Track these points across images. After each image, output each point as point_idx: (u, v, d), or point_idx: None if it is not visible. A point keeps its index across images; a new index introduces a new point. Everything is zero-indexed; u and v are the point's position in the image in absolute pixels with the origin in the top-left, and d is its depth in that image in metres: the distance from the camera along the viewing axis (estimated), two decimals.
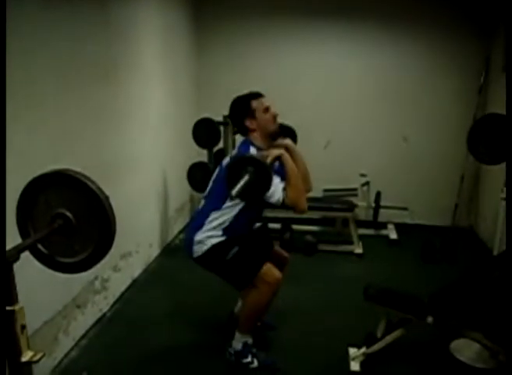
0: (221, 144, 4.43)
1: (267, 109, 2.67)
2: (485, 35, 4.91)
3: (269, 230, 4.78)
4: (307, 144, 5.37)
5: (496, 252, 3.93)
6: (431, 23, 4.96)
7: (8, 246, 1.28)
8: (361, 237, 4.75)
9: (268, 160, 2.48)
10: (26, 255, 1.36)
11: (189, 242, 2.70)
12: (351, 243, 4.63)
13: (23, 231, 1.45)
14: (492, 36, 4.86)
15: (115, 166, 3.38)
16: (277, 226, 4.88)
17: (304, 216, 4.87)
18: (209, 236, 2.63)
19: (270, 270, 2.64)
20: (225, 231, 2.65)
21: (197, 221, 2.73)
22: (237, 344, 2.78)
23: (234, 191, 2.26)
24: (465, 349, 2.89)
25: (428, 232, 5.19)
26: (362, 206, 5.16)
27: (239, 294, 3.00)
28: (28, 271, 1.67)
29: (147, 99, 3.96)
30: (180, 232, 5.06)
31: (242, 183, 2.28)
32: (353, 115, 5.35)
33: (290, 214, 4.79)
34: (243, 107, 2.69)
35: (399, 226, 5.22)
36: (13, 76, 2.15)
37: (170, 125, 4.59)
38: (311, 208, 4.76)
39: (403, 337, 2.65)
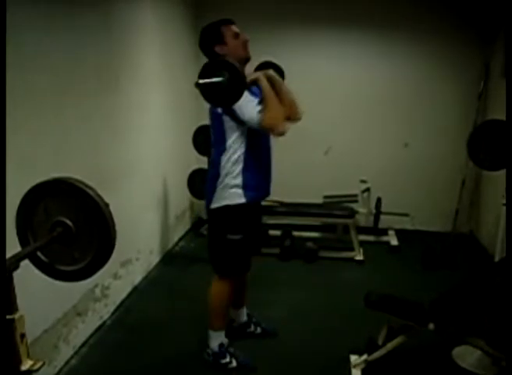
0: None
1: (237, 35, 2.62)
2: (484, 41, 4.92)
3: (269, 237, 4.81)
4: (308, 151, 5.44)
5: (497, 258, 3.92)
6: (431, 29, 4.97)
7: (8, 254, 1.28)
8: (362, 244, 4.74)
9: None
10: (26, 263, 1.36)
11: (209, 190, 2.66)
12: (352, 249, 4.62)
13: (23, 239, 1.45)
14: (491, 42, 4.87)
15: (116, 173, 3.38)
16: (278, 232, 4.87)
17: (305, 222, 4.94)
18: (231, 185, 2.59)
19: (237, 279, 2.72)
20: (245, 181, 2.59)
21: (211, 172, 2.70)
22: (214, 344, 2.79)
23: (200, 81, 2.25)
24: (467, 356, 2.87)
25: (428, 238, 5.18)
26: (363, 212, 5.15)
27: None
28: (28, 279, 1.66)
29: (147, 107, 3.97)
30: (181, 239, 5.05)
31: (212, 80, 2.26)
32: (353, 121, 5.35)
33: (291, 221, 4.82)
34: (213, 33, 2.62)
35: (399, 233, 5.21)
36: (14, 85, 2.16)
37: (170, 132, 4.60)
38: (311, 215, 4.83)
39: (404, 344, 2.64)
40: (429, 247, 4.53)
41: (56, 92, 2.58)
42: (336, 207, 4.99)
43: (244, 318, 3.17)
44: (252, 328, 3.18)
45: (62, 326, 2.75)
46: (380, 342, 2.75)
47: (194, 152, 4.44)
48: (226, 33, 2.60)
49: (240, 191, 2.60)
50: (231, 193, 2.60)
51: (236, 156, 2.58)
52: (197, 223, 5.49)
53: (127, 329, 3.29)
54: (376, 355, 2.69)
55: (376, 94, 5.24)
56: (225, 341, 2.82)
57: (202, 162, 4.48)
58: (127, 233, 3.40)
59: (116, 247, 1.42)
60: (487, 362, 2.72)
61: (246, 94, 2.37)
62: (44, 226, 1.41)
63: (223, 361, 2.79)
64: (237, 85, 2.28)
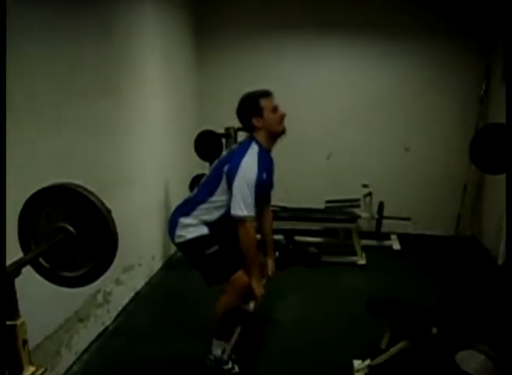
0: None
1: (275, 109, 2.64)
2: (485, 46, 4.92)
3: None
4: (310, 156, 5.44)
5: (500, 261, 3.92)
6: (432, 34, 4.98)
7: (10, 261, 1.28)
8: (364, 248, 4.73)
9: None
10: (28, 268, 1.36)
11: (173, 224, 2.74)
12: (354, 254, 4.62)
13: (25, 245, 1.45)
14: (492, 46, 4.87)
15: (117, 179, 3.38)
16: (280, 237, 4.85)
17: (307, 227, 4.93)
18: (194, 224, 2.66)
19: (239, 278, 2.67)
20: (210, 226, 2.67)
21: (185, 208, 2.75)
22: (216, 350, 2.79)
23: None
24: (470, 360, 2.86)
25: (431, 242, 5.18)
26: (365, 217, 5.14)
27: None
28: (30, 285, 1.66)
29: (148, 112, 3.97)
30: None
31: None
32: (355, 126, 5.35)
33: (293, 226, 4.81)
34: (252, 105, 2.64)
35: (402, 237, 5.20)
36: (15, 90, 2.17)
37: (172, 137, 4.60)
38: (313, 220, 4.83)
39: (407, 349, 2.63)
40: (432, 251, 4.52)
41: (56, 98, 2.59)
42: (338, 212, 4.98)
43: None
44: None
45: (64, 332, 2.75)
46: (383, 347, 2.73)
47: (196, 158, 4.44)
48: (265, 106, 2.62)
49: (202, 231, 2.68)
50: (194, 231, 2.67)
51: (213, 213, 2.66)
52: None
53: (129, 334, 3.28)
54: (379, 359, 2.68)
55: (377, 99, 5.25)
56: (229, 347, 2.81)
57: (204, 168, 4.48)
58: (129, 238, 3.40)
59: (118, 253, 1.42)
60: (491, 367, 2.71)
61: (244, 186, 2.49)
62: (45, 232, 1.41)
63: (226, 367, 2.78)
64: None
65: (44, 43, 2.45)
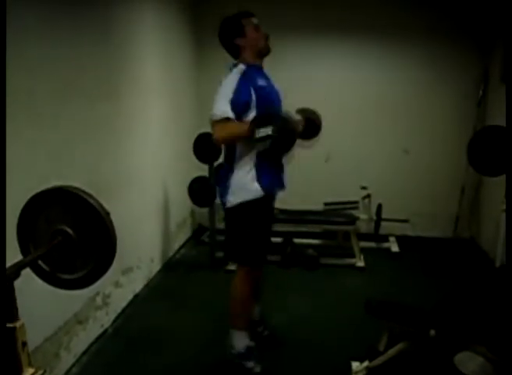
0: (221, 159, 4.43)
1: (257, 27, 2.65)
2: (483, 47, 4.94)
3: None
4: (308, 158, 5.44)
5: (498, 263, 3.92)
6: (430, 36, 4.99)
7: (9, 263, 1.29)
8: (363, 251, 4.74)
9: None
10: (27, 271, 1.36)
11: (223, 189, 2.69)
12: (353, 256, 4.62)
13: (24, 248, 1.46)
14: (490, 48, 4.89)
15: (116, 181, 3.39)
16: (278, 240, 4.87)
17: (306, 229, 4.93)
18: (245, 181, 2.60)
19: (251, 270, 2.72)
20: (259, 173, 2.60)
21: (225, 167, 2.74)
22: (239, 344, 2.76)
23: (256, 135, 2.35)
24: (469, 362, 2.86)
25: (429, 244, 5.18)
26: (363, 219, 5.15)
27: None
28: (29, 287, 1.67)
29: (147, 114, 3.98)
30: (181, 247, 5.05)
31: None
32: (353, 128, 5.36)
33: (292, 228, 4.82)
34: (233, 25, 2.65)
35: (400, 239, 5.21)
36: (14, 92, 2.17)
37: (171, 140, 4.61)
38: (312, 222, 4.83)
39: (405, 351, 2.63)
40: (430, 253, 4.52)
41: (56, 100, 2.59)
42: (337, 214, 4.99)
43: (257, 316, 3.14)
44: (261, 328, 3.16)
45: (64, 334, 2.75)
46: (381, 348, 2.74)
47: (195, 160, 4.45)
48: (247, 25, 2.63)
49: (254, 185, 2.60)
50: (246, 189, 2.61)
51: (248, 151, 2.59)
52: (197, 231, 5.49)
53: (128, 337, 3.28)
54: (377, 361, 2.68)
55: (376, 101, 5.26)
56: (252, 343, 2.79)
57: (203, 170, 4.49)
58: (128, 241, 3.40)
59: (117, 255, 1.43)
60: (489, 369, 2.71)
61: (225, 87, 2.49)
62: (45, 235, 1.42)
63: (248, 365, 2.76)
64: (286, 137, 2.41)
65: (43, 43, 2.45)
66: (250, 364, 2.76)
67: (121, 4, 3.39)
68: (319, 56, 5.27)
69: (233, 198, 2.63)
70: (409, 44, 5.08)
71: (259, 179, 2.60)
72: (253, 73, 2.62)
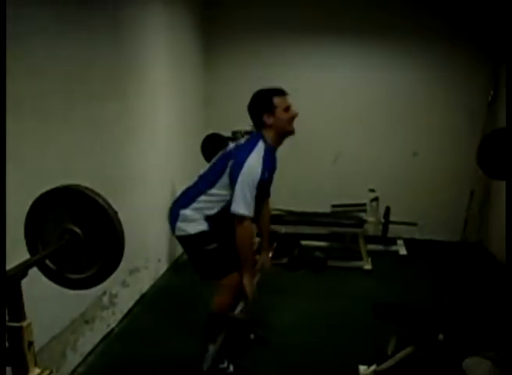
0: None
1: (287, 109, 2.61)
2: (493, 50, 4.90)
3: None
4: (316, 160, 5.43)
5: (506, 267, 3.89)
6: (440, 38, 4.96)
7: (17, 262, 1.28)
8: (370, 253, 4.72)
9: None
10: (34, 270, 1.36)
11: (174, 216, 2.70)
12: (360, 259, 4.60)
13: (32, 247, 1.45)
14: (500, 50, 4.85)
15: (124, 181, 3.39)
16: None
17: (313, 231, 4.92)
18: (194, 219, 2.64)
19: (232, 276, 2.68)
20: (209, 221, 2.65)
21: (184, 199, 2.72)
22: (213, 348, 2.76)
23: None
24: (477, 367, 2.83)
25: (437, 247, 5.15)
26: (371, 222, 5.12)
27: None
28: (36, 287, 1.67)
29: (155, 114, 3.98)
30: None
31: None
32: (361, 130, 5.34)
33: (299, 230, 4.80)
34: (265, 101, 2.61)
35: (408, 242, 5.18)
36: (24, 92, 2.18)
37: (178, 140, 4.60)
38: (320, 224, 4.81)
39: (413, 355, 2.61)
40: (438, 257, 4.49)
41: (65, 100, 2.60)
42: (345, 216, 4.97)
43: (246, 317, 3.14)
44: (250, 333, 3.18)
45: (70, 333, 2.75)
46: (389, 352, 2.72)
47: (203, 161, 4.44)
48: (278, 104, 2.60)
49: (202, 227, 2.65)
50: (194, 226, 2.65)
51: (213, 206, 2.64)
52: None
53: (134, 337, 3.28)
54: (385, 365, 2.66)
55: (386, 103, 5.23)
56: (214, 348, 2.78)
57: None
58: (136, 241, 3.40)
59: (125, 255, 1.42)
60: (498, 374, 2.68)
61: (246, 185, 2.49)
62: (52, 234, 1.41)
63: (221, 366, 2.79)
64: None
65: (53, 43, 2.45)
66: (223, 365, 2.80)
67: (130, 5, 3.39)
68: (329, 59, 5.25)
69: (182, 230, 2.69)
70: (419, 46, 5.05)
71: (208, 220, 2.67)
72: (268, 157, 2.62)
